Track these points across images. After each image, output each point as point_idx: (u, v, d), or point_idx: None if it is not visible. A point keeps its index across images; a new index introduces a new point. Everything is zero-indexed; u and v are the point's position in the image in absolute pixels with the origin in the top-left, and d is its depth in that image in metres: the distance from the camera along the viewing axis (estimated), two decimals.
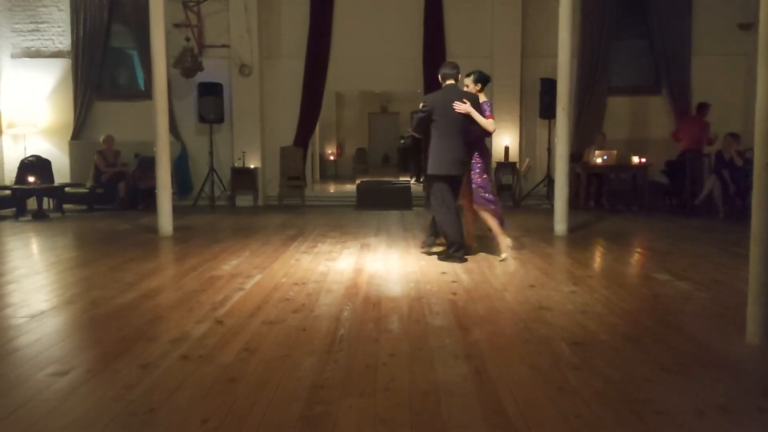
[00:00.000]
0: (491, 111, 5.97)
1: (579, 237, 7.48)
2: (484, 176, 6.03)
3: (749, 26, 10.32)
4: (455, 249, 5.90)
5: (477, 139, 6.00)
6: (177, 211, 8.27)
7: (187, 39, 10.69)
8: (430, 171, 6.00)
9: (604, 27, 10.98)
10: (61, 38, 11.33)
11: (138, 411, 2.63)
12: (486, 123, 5.84)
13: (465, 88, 6.08)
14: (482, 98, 6.01)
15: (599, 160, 10.14)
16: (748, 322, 3.50)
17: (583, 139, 10.79)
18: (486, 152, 6.17)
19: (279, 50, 11.46)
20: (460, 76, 6.06)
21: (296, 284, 4.99)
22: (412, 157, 15.08)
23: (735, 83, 10.82)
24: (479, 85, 6.07)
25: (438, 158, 5.90)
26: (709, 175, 9.50)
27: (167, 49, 7.86)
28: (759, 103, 3.45)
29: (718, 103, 10.84)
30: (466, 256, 5.92)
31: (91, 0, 11.07)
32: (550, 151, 10.73)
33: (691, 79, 10.97)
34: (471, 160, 6.01)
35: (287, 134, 11.39)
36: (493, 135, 11.38)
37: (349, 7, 11.29)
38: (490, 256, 6.14)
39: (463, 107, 5.76)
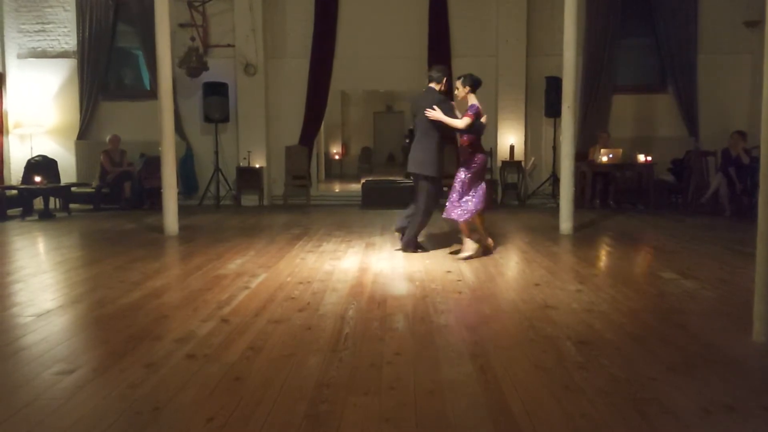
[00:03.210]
0: (473, 112, 5.86)
1: (584, 236, 7.46)
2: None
3: (755, 24, 10.27)
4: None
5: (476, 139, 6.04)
6: (182, 210, 8.28)
7: (192, 39, 10.71)
8: (438, 173, 6.14)
9: (610, 25, 10.94)
10: (67, 38, 11.36)
11: (143, 410, 2.64)
12: (451, 122, 5.91)
13: (455, 91, 6.11)
14: (471, 101, 5.96)
15: (605, 159, 10.12)
16: (754, 320, 3.48)
17: (588, 137, 10.76)
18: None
19: (284, 50, 11.46)
20: (445, 79, 6.18)
21: (301, 283, 4.99)
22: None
23: (741, 81, 10.76)
24: (467, 88, 6.01)
25: (441, 160, 6.18)
26: (715, 174, 9.46)
27: (172, 49, 7.88)
28: (765, 101, 3.44)
29: (724, 101, 10.83)
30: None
31: (97, 0, 11.11)
32: (555, 149, 10.70)
33: (696, 77, 10.91)
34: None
35: (292, 134, 11.39)
36: (499, 134, 11.41)
37: (354, 6, 11.28)
38: (495, 255, 6.13)
39: (432, 114, 5.91)
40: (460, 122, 5.87)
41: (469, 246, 5.96)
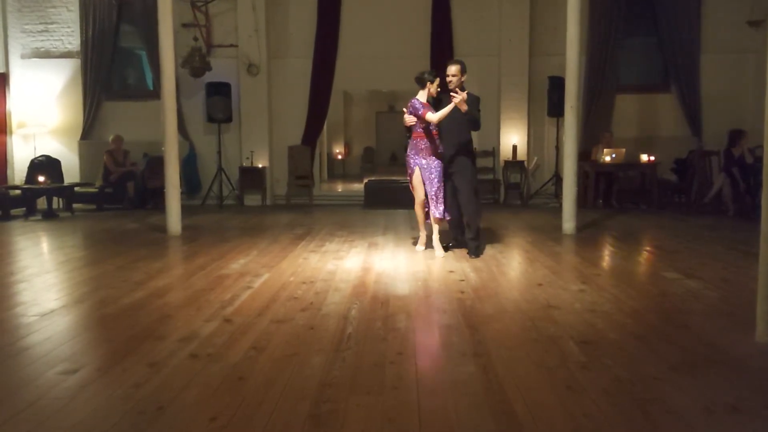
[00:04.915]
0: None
1: (587, 235, 7.46)
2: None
3: (759, 23, 10.24)
4: None
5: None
6: (185, 210, 8.29)
7: (196, 39, 10.72)
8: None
9: (613, 25, 10.92)
10: (71, 39, 11.38)
11: (146, 409, 2.64)
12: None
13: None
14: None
15: (608, 159, 10.11)
16: (757, 320, 3.48)
17: (591, 137, 10.74)
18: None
19: (287, 50, 11.47)
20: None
21: (304, 283, 4.99)
22: None
23: (744, 81, 10.74)
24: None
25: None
26: (718, 173, 9.45)
27: (175, 48, 7.88)
28: None
29: (727, 100, 10.80)
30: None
31: (100, 0, 11.13)
32: (558, 149, 10.69)
33: (700, 76, 10.89)
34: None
35: (295, 133, 11.40)
36: (501, 133, 11.40)
37: (357, 6, 11.28)
38: (498, 255, 6.13)
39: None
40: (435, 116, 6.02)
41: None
